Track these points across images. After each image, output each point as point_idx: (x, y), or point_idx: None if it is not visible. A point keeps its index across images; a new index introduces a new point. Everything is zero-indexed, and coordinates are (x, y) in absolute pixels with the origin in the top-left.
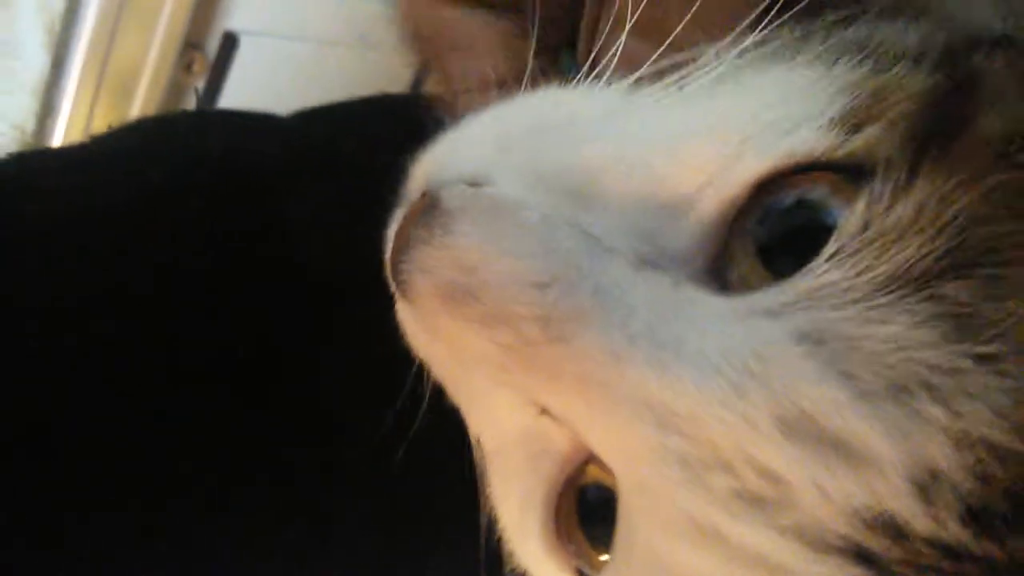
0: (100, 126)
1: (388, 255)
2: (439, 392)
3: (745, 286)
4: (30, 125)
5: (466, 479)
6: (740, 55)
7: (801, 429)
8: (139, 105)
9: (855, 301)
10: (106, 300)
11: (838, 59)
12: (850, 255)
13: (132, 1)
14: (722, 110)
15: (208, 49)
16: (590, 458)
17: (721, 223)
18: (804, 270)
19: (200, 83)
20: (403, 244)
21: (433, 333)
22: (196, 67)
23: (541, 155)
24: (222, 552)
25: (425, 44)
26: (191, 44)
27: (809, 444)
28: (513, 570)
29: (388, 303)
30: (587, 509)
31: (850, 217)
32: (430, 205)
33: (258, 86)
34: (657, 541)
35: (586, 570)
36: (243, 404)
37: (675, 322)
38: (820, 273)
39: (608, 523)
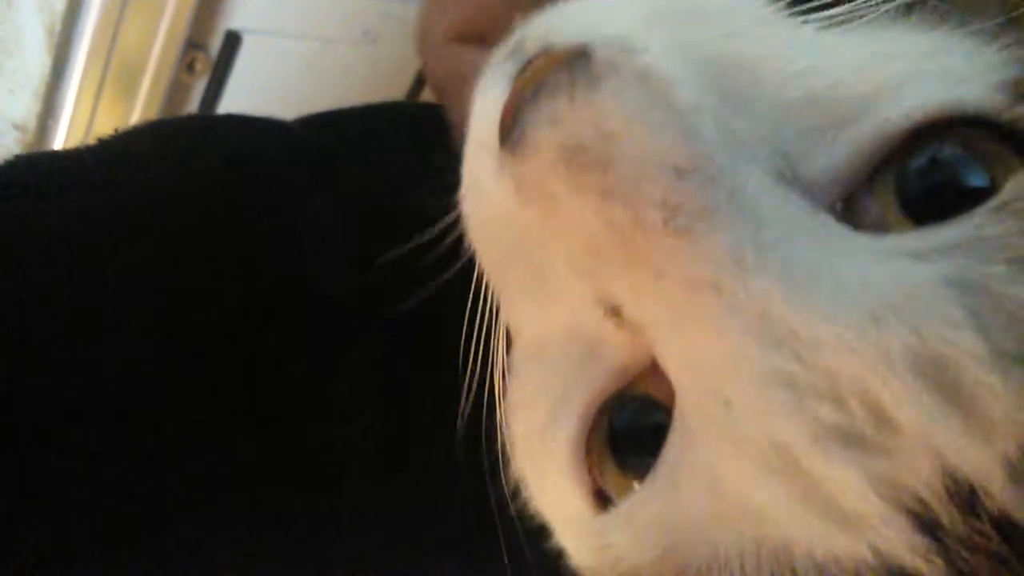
0: (103, 126)
1: (505, 102)
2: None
3: (878, 227)
4: (32, 125)
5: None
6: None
7: (932, 373)
8: (141, 105)
9: (1008, 261)
10: (113, 314)
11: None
12: (1013, 214)
13: (134, 2)
14: (890, 49)
15: (210, 48)
16: (642, 376)
17: (869, 159)
18: (955, 220)
19: (202, 83)
20: (531, 92)
21: (530, 197)
22: (198, 66)
23: (695, 38)
24: None
25: (443, 84)
26: (193, 44)
27: (936, 391)
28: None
29: (397, 326)
30: (614, 436)
31: (1019, 176)
32: (579, 56)
33: (261, 84)
34: (722, 465)
35: (611, 493)
36: (242, 432)
37: (810, 245)
38: (976, 225)
39: (637, 453)
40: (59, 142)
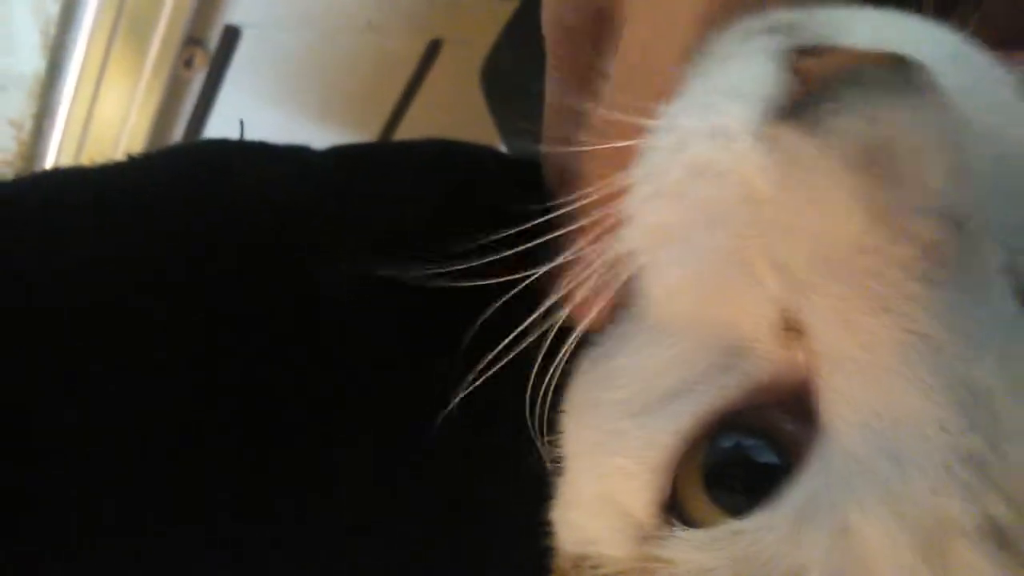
0: (100, 123)
1: (806, 71)
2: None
3: None
4: (28, 124)
5: None
6: None
7: None
8: (139, 102)
9: None
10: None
11: None
12: None
13: (130, 2)
14: None
15: (209, 43)
16: (771, 402)
17: None
18: None
19: (200, 77)
20: (850, 76)
21: (797, 180)
22: (197, 61)
23: (985, 99)
24: None
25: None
26: (191, 39)
27: None
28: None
29: (419, 377)
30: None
31: None
32: (905, 65)
33: (260, 78)
34: (864, 524)
35: (691, 512)
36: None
37: (1020, 343)
38: None
39: (727, 484)
40: (55, 142)
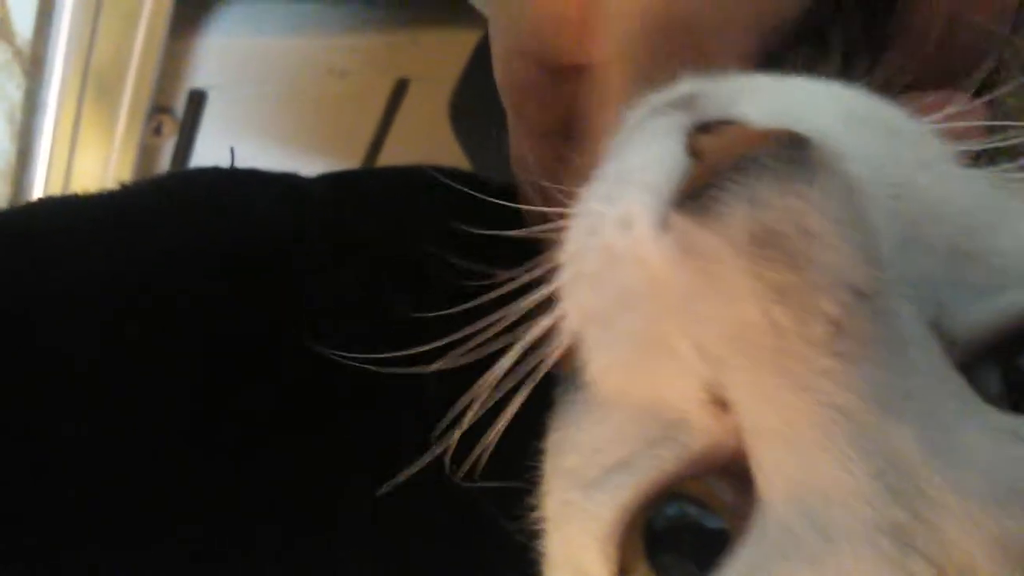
0: None
1: (696, 166)
2: None
3: (996, 403)
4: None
5: None
6: None
7: None
8: (112, 175)
9: None
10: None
11: None
12: None
13: (94, 78)
14: None
15: (175, 110)
16: (705, 472)
17: (1016, 330)
18: None
19: (171, 143)
20: (734, 163)
21: (694, 266)
22: (165, 129)
23: (892, 157)
24: None
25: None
26: (157, 108)
27: None
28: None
29: (404, 398)
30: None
31: None
32: (795, 143)
33: (231, 135)
34: None
35: None
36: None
37: (947, 405)
38: None
39: (674, 553)
40: None
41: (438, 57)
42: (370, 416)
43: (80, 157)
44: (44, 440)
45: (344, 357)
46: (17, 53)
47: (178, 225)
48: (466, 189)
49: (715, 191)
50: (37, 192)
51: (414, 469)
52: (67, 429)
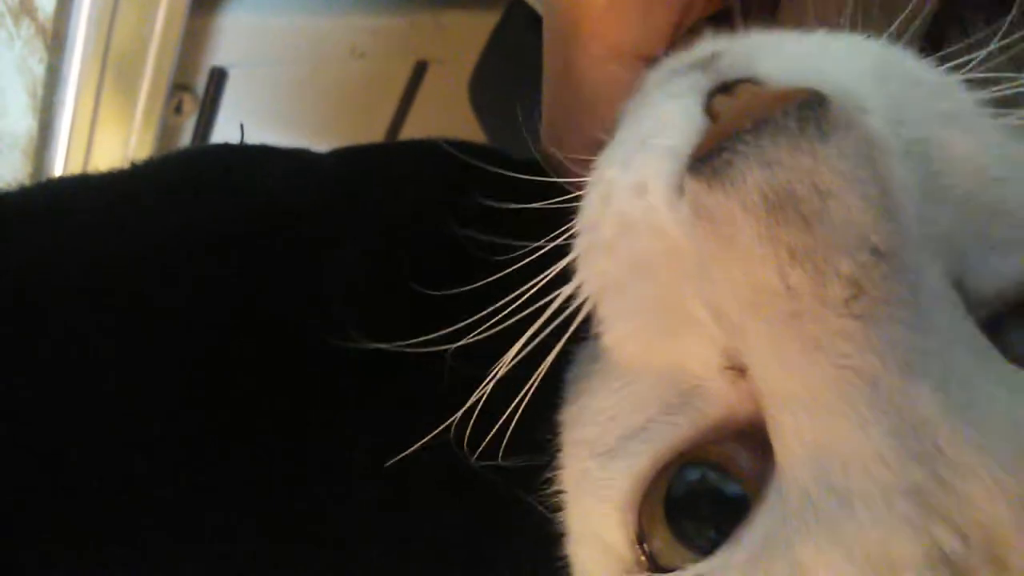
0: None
1: (711, 128)
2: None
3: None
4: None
5: None
6: None
7: None
8: (132, 153)
9: None
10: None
11: None
12: None
13: (115, 55)
14: None
15: (196, 88)
16: (723, 439)
17: None
18: None
19: (191, 121)
20: (749, 125)
21: (708, 230)
22: (186, 107)
23: (917, 111)
24: None
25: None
26: (179, 85)
27: None
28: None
29: (418, 383)
30: (672, 495)
31: None
32: (810, 102)
33: (251, 114)
34: (815, 560)
35: (656, 551)
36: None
37: (968, 363)
38: None
39: (694, 518)
40: None
41: (457, 39)
42: (388, 391)
43: (100, 134)
44: (54, 426)
45: (360, 338)
46: (40, 29)
47: (190, 202)
48: (482, 164)
49: (728, 154)
50: (58, 169)
51: (427, 439)
52: (73, 413)
